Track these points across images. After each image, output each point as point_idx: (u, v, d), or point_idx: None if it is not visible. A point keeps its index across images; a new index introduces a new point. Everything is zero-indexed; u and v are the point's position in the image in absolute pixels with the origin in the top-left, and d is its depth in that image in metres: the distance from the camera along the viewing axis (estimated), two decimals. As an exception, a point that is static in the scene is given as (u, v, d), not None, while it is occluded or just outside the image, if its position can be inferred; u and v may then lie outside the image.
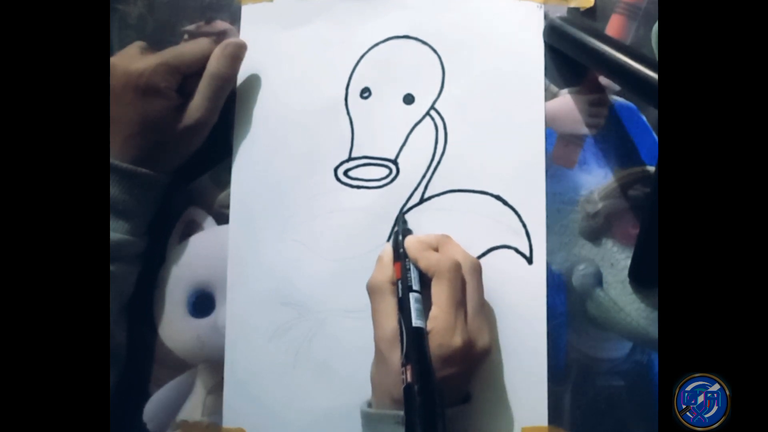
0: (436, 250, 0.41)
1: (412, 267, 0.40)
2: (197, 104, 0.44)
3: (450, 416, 0.36)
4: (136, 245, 0.44)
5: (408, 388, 0.35)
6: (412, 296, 0.38)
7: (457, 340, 0.37)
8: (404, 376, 0.35)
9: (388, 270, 0.41)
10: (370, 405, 0.40)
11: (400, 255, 0.41)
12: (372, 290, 0.40)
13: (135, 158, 0.43)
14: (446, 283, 0.38)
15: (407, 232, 0.43)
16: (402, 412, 0.36)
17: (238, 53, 0.45)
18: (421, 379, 0.35)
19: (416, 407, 0.35)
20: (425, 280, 0.40)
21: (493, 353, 0.41)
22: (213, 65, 0.44)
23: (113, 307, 0.43)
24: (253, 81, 0.48)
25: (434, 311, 0.38)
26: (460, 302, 0.39)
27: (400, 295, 0.39)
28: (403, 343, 0.37)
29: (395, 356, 0.37)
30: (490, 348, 0.40)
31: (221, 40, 0.46)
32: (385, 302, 0.39)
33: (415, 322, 0.37)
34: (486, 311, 0.41)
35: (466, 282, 0.40)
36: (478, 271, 0.40)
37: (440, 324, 0.37)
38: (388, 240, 0.45)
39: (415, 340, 0.37)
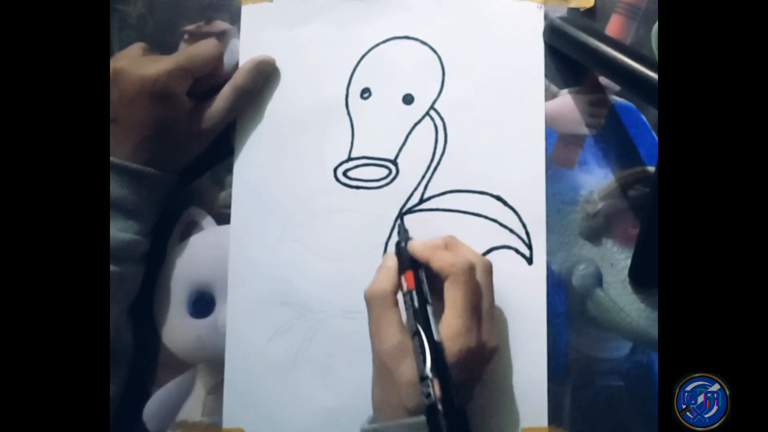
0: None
1: (425, 278, 0.38)
2: (217, 111, 0.45)
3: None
4: (143, 245, 0.44)
5: (434, 406, 0.34)
6: (429, 309, 0.37)
7: (472, 345, 0.36)
8: (431, 390, 0.34)
9: (390, 279, 0.39)
10: (372, 422, 0.38)
11: (410, 263, 0.39)
12: (372, 300, 0.38)
13: (146, 160, 0.43)
14: (462, 286, 0.37)
15: (408, 238, 0.41)
16: (417, 419, 0.35)
17: (268, 71, 0.46)
18: (447, 395, 0.34)
19: (444, 424, 0.34)
20: (433, 284, 0.39)
21: (500, 351, 0.41)
22: (240, 78, 0.45)
23: (121, 308, 0.43)
24: (253, 81, 0.48)
25: (449, 316, 0.37)
26: (475, 306, 0.37)
27: (416, 306, 0.37)
28: (424, 357, 0.35)
29: (403, 369, 0.36)
30: (497, 348, 0.39)
31: (222, 40, 0.46)
32: (388, 314, 0.38)
33: (436, 336, 0.36)
34: (495, 310, 0.40)
35: (479, 284, 0.38)
36: (490, 271, 0.39)
37: (456, 330, 0.36)
38: (387, 241, 0.45)
39: (440, 355, 0.35)
